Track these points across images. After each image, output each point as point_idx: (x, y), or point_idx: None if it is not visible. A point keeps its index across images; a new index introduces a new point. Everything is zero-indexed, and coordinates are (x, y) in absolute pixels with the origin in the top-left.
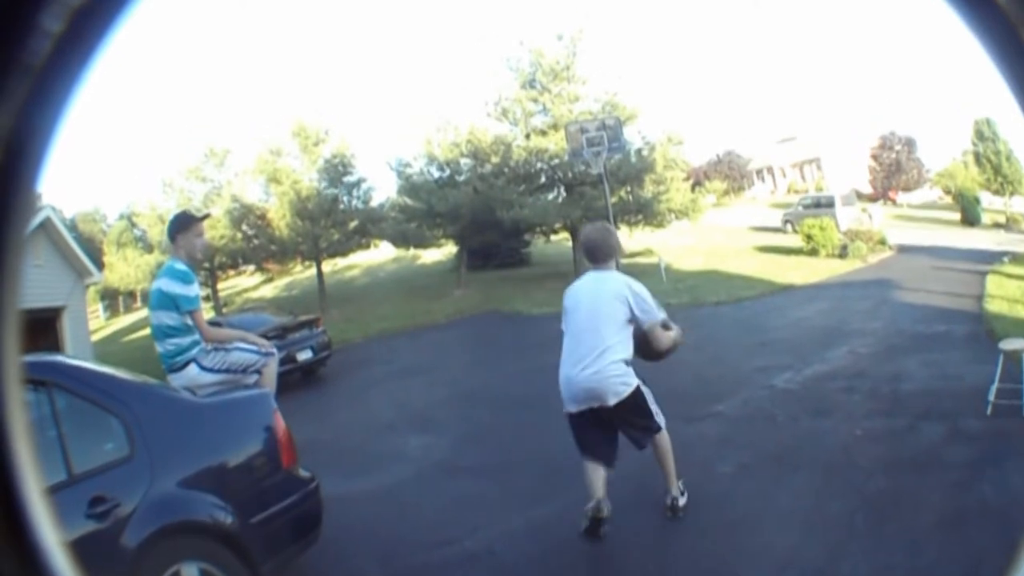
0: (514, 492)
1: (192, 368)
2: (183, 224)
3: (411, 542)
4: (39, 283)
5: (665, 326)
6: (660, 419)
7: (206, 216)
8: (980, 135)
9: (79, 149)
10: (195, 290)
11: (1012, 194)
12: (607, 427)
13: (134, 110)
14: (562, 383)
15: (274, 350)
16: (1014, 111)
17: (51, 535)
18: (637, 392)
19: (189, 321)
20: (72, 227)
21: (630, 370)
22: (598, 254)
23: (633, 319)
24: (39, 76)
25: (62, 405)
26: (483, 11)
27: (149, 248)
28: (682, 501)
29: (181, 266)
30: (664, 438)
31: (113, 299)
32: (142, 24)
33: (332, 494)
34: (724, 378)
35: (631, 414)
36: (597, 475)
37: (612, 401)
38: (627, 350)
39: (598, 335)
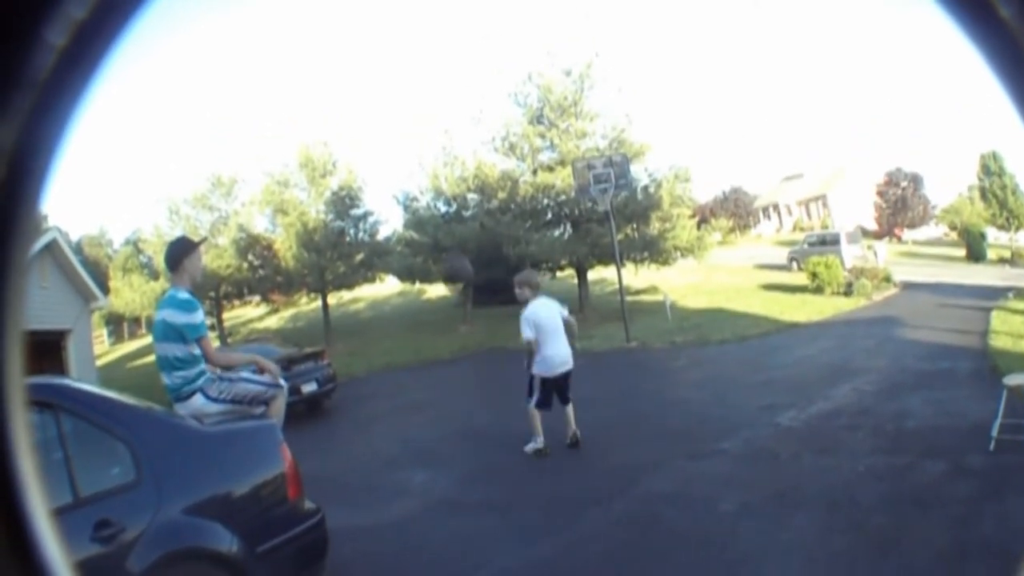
0: (517, 529)
1: (198, 398)
2: (187, 249)
3: None
4: (45, 305)
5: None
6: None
7: (203, 240)
8: (986, 169)
9: (85, 171)
10: (200, 317)
11: (1018, 228)
12: (557, 392)
13: (142, 134)
14: (550, 358)
15: (283, 383)
16: (1016, 126)
17: (57, 555)
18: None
19: (195, 351)
20: (78, 250)
21: None
22: (538, 288)
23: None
24: (43, 90)
25: (68, 428)
26: (493, 44)
27: (155, 275)
28: (578, 435)
29: (184, 295)
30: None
31: (118, 325)
32: (148, 52)
33: (337, 527)
34: (728, 416)
35: (568, 379)
36: (539, 422)
37: (572, 365)
38: None
39: (559, 332)
